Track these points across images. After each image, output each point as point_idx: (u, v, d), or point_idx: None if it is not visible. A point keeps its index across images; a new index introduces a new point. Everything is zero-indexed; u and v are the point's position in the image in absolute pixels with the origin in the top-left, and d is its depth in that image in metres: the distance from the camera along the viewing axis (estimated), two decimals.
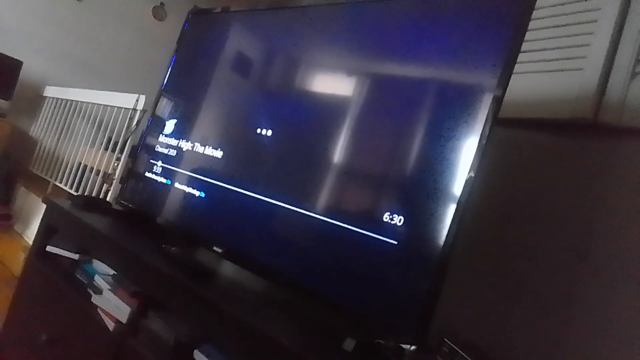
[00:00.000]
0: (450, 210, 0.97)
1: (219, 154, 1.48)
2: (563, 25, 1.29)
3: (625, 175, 1.15)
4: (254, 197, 1.32)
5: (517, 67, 0.99)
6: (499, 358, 1.14)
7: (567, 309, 1.15)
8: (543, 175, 1.28)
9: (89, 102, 3.52)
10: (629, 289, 1.08)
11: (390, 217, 1.04)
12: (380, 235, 1.04)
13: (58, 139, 3.76)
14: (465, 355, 0.93)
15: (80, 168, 3.37)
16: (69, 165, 3.48)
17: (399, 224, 1.03)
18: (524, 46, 1.00)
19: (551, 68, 1.29)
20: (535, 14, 0.99)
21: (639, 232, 1.10)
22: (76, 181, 3.33)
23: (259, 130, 1.38)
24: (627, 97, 1.14)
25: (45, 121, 3.99)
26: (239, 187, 1.37)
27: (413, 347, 0.94)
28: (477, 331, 1.22)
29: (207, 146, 1.53)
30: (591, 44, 1.22)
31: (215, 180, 1.45)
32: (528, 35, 1.00)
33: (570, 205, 1.22)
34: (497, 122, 0.97)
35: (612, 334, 1.07)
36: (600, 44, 1.20)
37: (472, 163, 0.97)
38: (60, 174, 3.53)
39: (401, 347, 0.96)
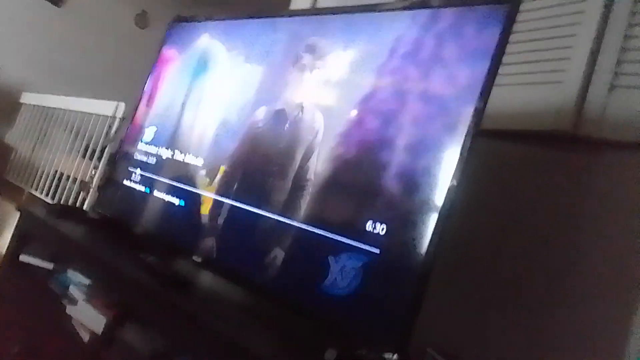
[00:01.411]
0: (432, 219, 0.97)
1: (199, 162, 1.46)
2: (543, 39, 1.31)
3: (605, 186, 1.17)
4: (234, 205, 1.30)
5: (498, 79, 1.00)
6: None
7: (551, 317, 1.15)
8: (525, 186, 1.29)
9: (68, 110, 3.46)
10: (609, 297, 1.09)
11: (373, 225, 1.04)
12: (362, 243, 1.04)
13: (34, 147, 3.69)
14: None
15: (57, 176, 3.30)
16: (45, 173, 3.42)
17: (381, 233, 1.02)
18: (505, 59, 1.01)
19: (531, 80, 1.30)
20: (515, 27, 1.00)
21: (619, 242, 1.11)
22: (52, 189, 3.27)
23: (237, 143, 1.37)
24: (606, 109, 1.16)
25: (22, 128, 3.92)
26: (219, 196, 1.35)
27: (395, 357, 0.93)
28: (460, 341, 1.22)
29: (187, 154, 1.51)
30: (571, 58, 1.24)
31: (195, 188, 1.43)
32: (509, 48, 1.01)
33: (552, 215, 1.23)
34: (480, 134, 0.98)
35: (597, 343, 1.08)
36: (579, 58, 1.22)
37: (454, 173, 0.97)
38: (36, 182, 3.46)
39: (383, 357, 0.95)
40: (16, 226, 1.68)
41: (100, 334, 1.25)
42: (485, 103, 0.98)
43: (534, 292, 1.19)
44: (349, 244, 1.05)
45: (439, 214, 0.96)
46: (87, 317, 1.29)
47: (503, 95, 1.29)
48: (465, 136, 0.98)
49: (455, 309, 1.28)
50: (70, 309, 1.36)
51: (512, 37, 1.02)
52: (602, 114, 1.16)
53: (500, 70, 1.00)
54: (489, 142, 1.25)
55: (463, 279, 1.30)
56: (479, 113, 0.98)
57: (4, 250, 1.71)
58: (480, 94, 0.99)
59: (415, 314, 0.94)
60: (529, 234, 1.25)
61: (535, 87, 1.30)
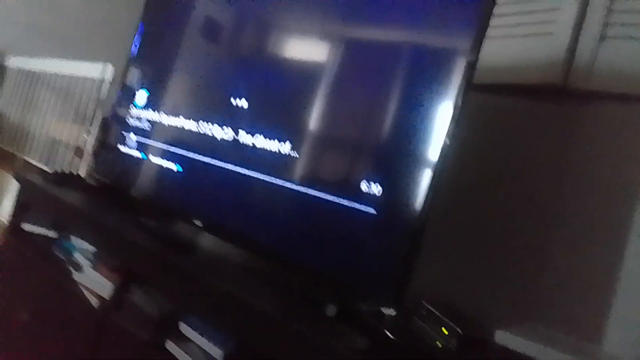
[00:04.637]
0: (427, 175, 0.99)
1: (194, 125, 1.46)
2: None
3: (594, 139, 1.18)
4: (231, 169, 1.32)
5: (488, 32, 1.00)
6: (476, 318, 1.18)
7: (541, 269, 1.19)
8: (516, 138, 1.31)
9: (54, 73, 3.40)
10: (597, 248, 1.13)
11: (368, 184, 1.06)
12: (358, 202, 1.06)
13: (24, 112, 3.65)
14: (441, 316, 0.97)
15: (50, 141, 3.28)
16: (37, 139, 3.39)
17: (376, 191, 1.04)
18: (494, 10, 1.01)
19: (521, 33, 1.29)
20: None
21: (607, 193, 1.14)
22: (46, 155, 3.26)
23: (232, 100, 1.37)
24: (596, 61, 1.16)
25: (8, 93, 3.86)
26: (215, 159, 1.36)
27: (392, 311, 0.98)
28: (454, 292, 1.26)
29: (181, 117, 1.51)
30: (560, 8, 1.23)
31: (191, 152, 1.44)
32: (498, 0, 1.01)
33: (542, 168, 1.25)
34: (472, 88, 0.98)
35: (587, 291, 1.12)
36: (569, 8, 1.21)
37: (448, 128, 0.99)
38: (28, 148, 3.44)
39: (381, 311, 1.00)
40: (17, 196, 1.69)
41: (107, 298, 1.29)
42: (478, 55, 0.99)
43: (526, 242, 1.23)
44: (345, 204, 1.08)
45: (434, 169, 0.98)
46: (94, 282, 1.33)
47: (493, 48, 1.29)
48: (458, 90, 0.99)
49: (448, 261, 1.33)
50: (76, 275, 1.39)
51: None
52: (592, 66, 1.16)
53: (491, 23, 1.00)
54: (480, 95, 1.26)
55: (455, 231, 1.33)
56: (471, 66, 0.99)
57: (4, 219, 1.73)
58: (473, 46, 0.99)
59: (410, 270, 0.97)
60: (520, 186, 1.28)
61: (525, 40, 1.29)
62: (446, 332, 0.95)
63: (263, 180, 1.24)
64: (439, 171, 0.98)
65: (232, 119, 1.36)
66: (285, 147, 1.22)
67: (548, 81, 1.22)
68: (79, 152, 2.87)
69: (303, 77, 1.26)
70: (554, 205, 1.21)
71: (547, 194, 1.22)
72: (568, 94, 1.21)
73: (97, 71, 2.98)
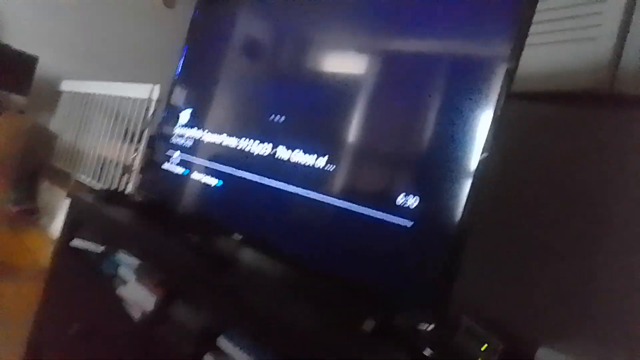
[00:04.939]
0: (466, 186, 0.96)
1: (235, 141, 1.49)
2: None
3: None
4: (270, 184, 1.33)
5: (530, 39, 0.97)
6: (520, 333, 1.14)
7: (589, 280, 1.14)
8: (562, 147, 1.27)
9: (105, 94, 3.54)
10: None
11: (405, 197, 1.04)
12: (395, 215, 1.04)
13: (77, 133, 3.81)
14: (483, 331, 0.94)
15: (101, 160, 3.41)
16: (89, 158, 3.53)
17: (414, 204, 1.03)
18: (536, 17, 0.98)
19: (565, 38, 1.26)
20: None
21: None
22: (97, 174, 3.38)
23: (272, 116, 1.38)
24: None
25: (63, 115, 4.04)
26: (255, 174, 1.38)
27: (432, 326, 0.95)
28: (497, 307, 1.22)
29: (223, 134, 1.54)
30: (604, 12, 1.19)
31: (232, 168, 1.46)
32: (539, 5, 0.98)
33: (589, 175, 1.20)
34: (511, 96, 0.96)
35: (632, 307, 1.07)
36: (613, 12, 1.17)
37: (487, 138, 0.96)
38: (81, 167, 3.59)
39: (420, 326, 0.97)
40: (67, 212, 1.76)
41: (150, 312, 1.31)
42: (517, 63, 0.96)
43: (571, 254, 1.18)
44: (381, 218, 1.06)
45: (473, 180, 0.96)
46: (138, 296, 1.36)
47: (536, 55, 1.26)
48: (498, 99, 0.97)
49: (491, 274, 1.29)
50: (121, 289, 1.42)
51: None
52: (639, 70, 1.12)
53: (531, 29, 0.97)
54: (523, 104, 1.22)
55: (498, 243, 1.29)
56: (510, 74, 0.96)
57: (56, 235, 1.80)
58: (511, 53, 0.97)
59: (451, 283, 0.95)
60: (566, 196, 1.23)
61: (569, 45, 1.25)
62: (488, 348, 0.92)
63: (300, 194, 1.24)
64: (478, 182, 0.96)
65: (271, 134, 1.38)
66: (322, 161, 1.22)
67: (594, 87, 1.18)
68: (127, 170, 2.96)
69: (340, 91, 1.26)
70: (601, 215, 1.16)
71: (593, 203, 1.17)
72: (615, 99, 1.17)
73: (145, 92, 3.08)
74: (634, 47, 1.13)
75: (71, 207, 1.77)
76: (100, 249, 1.64)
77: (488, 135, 0.96)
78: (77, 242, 1.68)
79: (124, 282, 1.44)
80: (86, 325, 1.50)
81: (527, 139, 1.28)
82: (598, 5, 1.20)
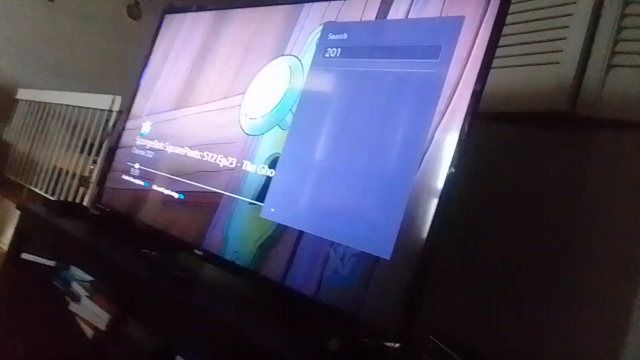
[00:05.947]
0: (432, 206, 0.96)
1: (196, 154, 1.45)
2: (539, 19, 1.30)
3: (604, 166, 1.16)
4: (233, 197, 1.30)
5: (495, 62, 0.99)
6: (486, 353, 1.14)
7: (554, 300, 1.15)
8: (524, 167, 1.29)
9: (64, 104, 3.44)
10: (612, 276, 1.09)
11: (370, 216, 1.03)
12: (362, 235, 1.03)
13: (32, 143, 3.68)
14: (450, 352, 0.93)
15: (56, 172, 3.29)
16: (44, 169, 3.41)
17: (380, 223, 1.01)
18: (501, 40, 1.00)
19: (528, 62, 1.29)
20: (512, 8, 0.99)
21: (618, 221, 1.11)
22: (52, 185, 3.26)
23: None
24: (603, 89, 1.15)
25: (18, 125, 3.90)
26: (217, 188, 1.35)
27: (397, 345, 0.94)
28: (463, 326, 1.22)
29: (184, 147, 1.50)
30: (567, 37, 1.22)
31: (193, 181, 1.43)
32: (505, 29, 1.00)
33: (551, 196, 1.23)
34: (478, 117, 0.97)
35: (598, 324, 1.08)
36: (576, 37, 1.20)
37: (453, 157, 0.96)
38: (35, 179, 3.46)
39: (385, 345, 0.96)
40: (17, 224, 1.68)
41: (103, 330, 1.25)
42: (483, 85, 0.97)
43: (537, 274, 1.19)
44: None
45: (439, 199, 0.96)
46: (90, 313, 1.30)
47: (500, 77, 1.28)
48: (464, 119, 0.97)
49: (456, 296, 1.29)
50: (73, 306, 1.36)
51: (508, 18, 1.01)
52: (600, 94, 1.15)
53: (496, 52, 0.99)
54: (487, 124, 1.24)
55: (463, 263, 1.30)
56: (477, 96, 0.97)
57: (5, 248, 1.71)
58: (479, 76, 0.98)
59: (416, 303, 0.94)
60: (528, 216, 1.25)
61: (532, 68, 1.28)
62: None
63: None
64: (445, 202, 0.95)
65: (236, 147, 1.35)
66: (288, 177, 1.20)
67: (556, 109, 1.21)
68: (84, 181, 2.87)
69: (306, 109, 1.25)
70: (563, 235, 1.18)
71: (557, 223, 1.19)
72: (576, 121, 1.20)
73: (106, 103, 3.01)
74: (595, 71, 1.17)
75: (21, 219, 1.68)
76: (51, 263, 1.57)
77: (454, 154, 0.96)
78: (27, 256, 1.60)
79: (77, 299, 1.37)
80: (35, 344, 1.42)
81: (491, 159, 1.30)
82: (562, 31, 1.24)
